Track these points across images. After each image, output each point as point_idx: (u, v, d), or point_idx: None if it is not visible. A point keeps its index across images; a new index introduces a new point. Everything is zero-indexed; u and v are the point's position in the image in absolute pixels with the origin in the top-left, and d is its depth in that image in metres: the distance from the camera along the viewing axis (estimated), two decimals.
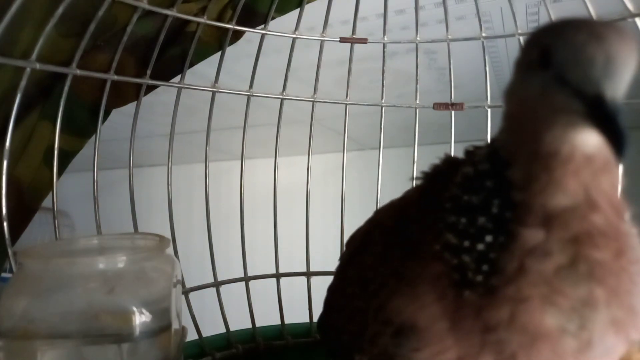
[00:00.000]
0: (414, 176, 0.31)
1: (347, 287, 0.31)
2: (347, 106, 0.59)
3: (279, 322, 0.56)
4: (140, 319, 0.33)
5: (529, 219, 0.21)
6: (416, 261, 0.25)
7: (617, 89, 0.20)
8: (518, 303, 0.21)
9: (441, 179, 0.27)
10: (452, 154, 0.56)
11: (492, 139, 0.25)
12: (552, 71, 0.21)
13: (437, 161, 0.31)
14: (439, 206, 0.25)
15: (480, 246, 0.22)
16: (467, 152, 0.28)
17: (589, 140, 0.21)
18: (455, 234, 0.23)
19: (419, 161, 0.57)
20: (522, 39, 0.54)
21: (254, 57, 0.56)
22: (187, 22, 0.51)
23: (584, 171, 0.21)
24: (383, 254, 0.28)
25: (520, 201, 0.22)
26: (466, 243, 0.23)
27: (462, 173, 0.25)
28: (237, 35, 0.55)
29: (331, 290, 0.37)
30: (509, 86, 0.24)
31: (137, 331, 0.33)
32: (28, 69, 0.40)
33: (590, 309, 0.21)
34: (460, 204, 0.24)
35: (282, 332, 0.55)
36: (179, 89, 0.53)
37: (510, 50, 0.96)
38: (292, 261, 0.59)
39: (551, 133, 0.21)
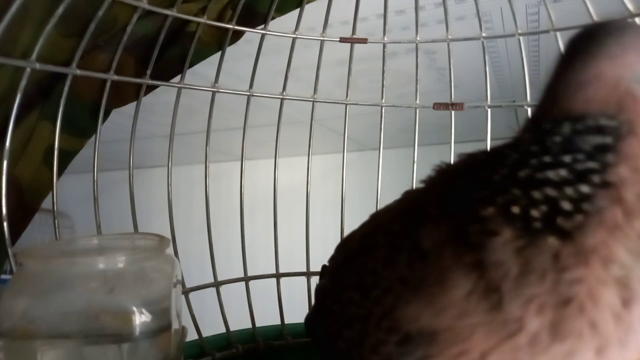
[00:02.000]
0: (429, 173, 0.31)
1: (344, 292, 0.30)
2: (347, 106, 0.59)
3: (279, 322, 0.56)
4: (140, 319, 0.33)
5: (631, 156, 0.23)
6: (440, 254, 0.24)
7: None
8: (608, 232, 0.22)
9: (477, 168, 0.27)
10: (452, 155, 0.56)
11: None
12: None
13: (438, 163, 0.30)
14: (499, 179, 0.25)
15: (585, 188, 0.23)
16: (509, 144, 0.28)
17: None
18: (551, 186, 0.24)
19: (419, 161, 0.57)
20: (522, 39, 0.54)
21: (254, 57, 0.56)
22: (187, 22, 0.51)
23: None
24: (388, 258, 0.27)
25: (623, 148, 0.23)
26: (569, 190, 0.23)
27: (553, 134, 0.25)
28: (237, 35, 0.55)
29: (323, 293, 0.36)
30: None
31: (137, 331, 0.33)
32: (28, 69, 0.40)
33: None
34: (558, 157, 0.24)
35: (282, 332, 0.55)
36: (179, 89, 0.53)
37: (510, 50, 0.96)
38: (292, 261, 0.59)
39: None
